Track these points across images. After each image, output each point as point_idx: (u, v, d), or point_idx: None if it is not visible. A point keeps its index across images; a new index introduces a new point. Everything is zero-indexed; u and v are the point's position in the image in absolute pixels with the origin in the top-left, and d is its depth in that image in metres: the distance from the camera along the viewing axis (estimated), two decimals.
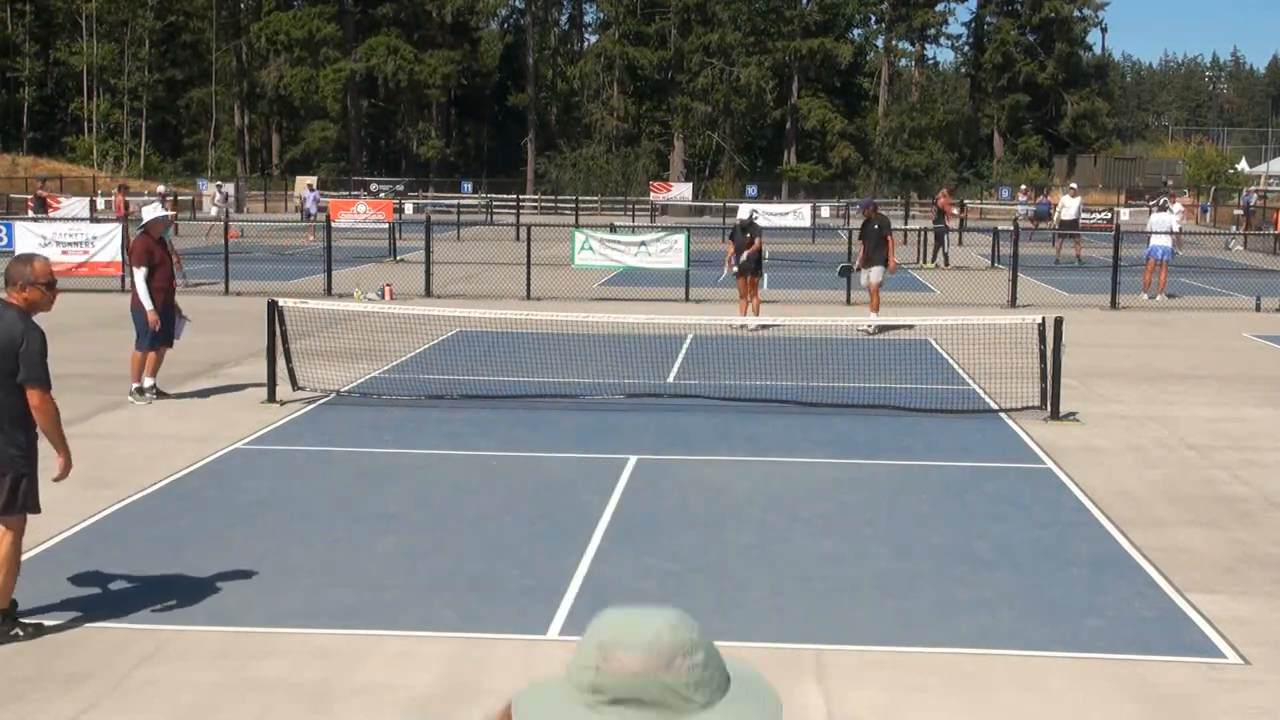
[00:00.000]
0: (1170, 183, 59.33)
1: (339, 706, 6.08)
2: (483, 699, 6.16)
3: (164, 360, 13.73)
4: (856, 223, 25.58)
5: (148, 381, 13.45)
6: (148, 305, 13.21)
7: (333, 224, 27.51)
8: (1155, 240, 25.39)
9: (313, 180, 48.62)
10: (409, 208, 54.26)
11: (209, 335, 17.99)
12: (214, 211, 39.32)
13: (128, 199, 38.32)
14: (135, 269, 13.39)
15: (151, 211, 13.95)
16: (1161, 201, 29.20)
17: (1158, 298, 24.84)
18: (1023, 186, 57.74)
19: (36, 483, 6.89)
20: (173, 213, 22.32)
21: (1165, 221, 25.88)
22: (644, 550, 8.49)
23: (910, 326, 19.02)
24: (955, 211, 40.00)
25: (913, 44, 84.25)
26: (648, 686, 1.94)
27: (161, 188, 41.68)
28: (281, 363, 13.60)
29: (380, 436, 11.96)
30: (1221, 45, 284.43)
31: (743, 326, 18.69)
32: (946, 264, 32.51)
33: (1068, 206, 34.61)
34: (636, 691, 1.95)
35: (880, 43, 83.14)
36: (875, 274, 19.55)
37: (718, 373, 15.25)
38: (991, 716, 6.08)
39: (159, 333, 13.39)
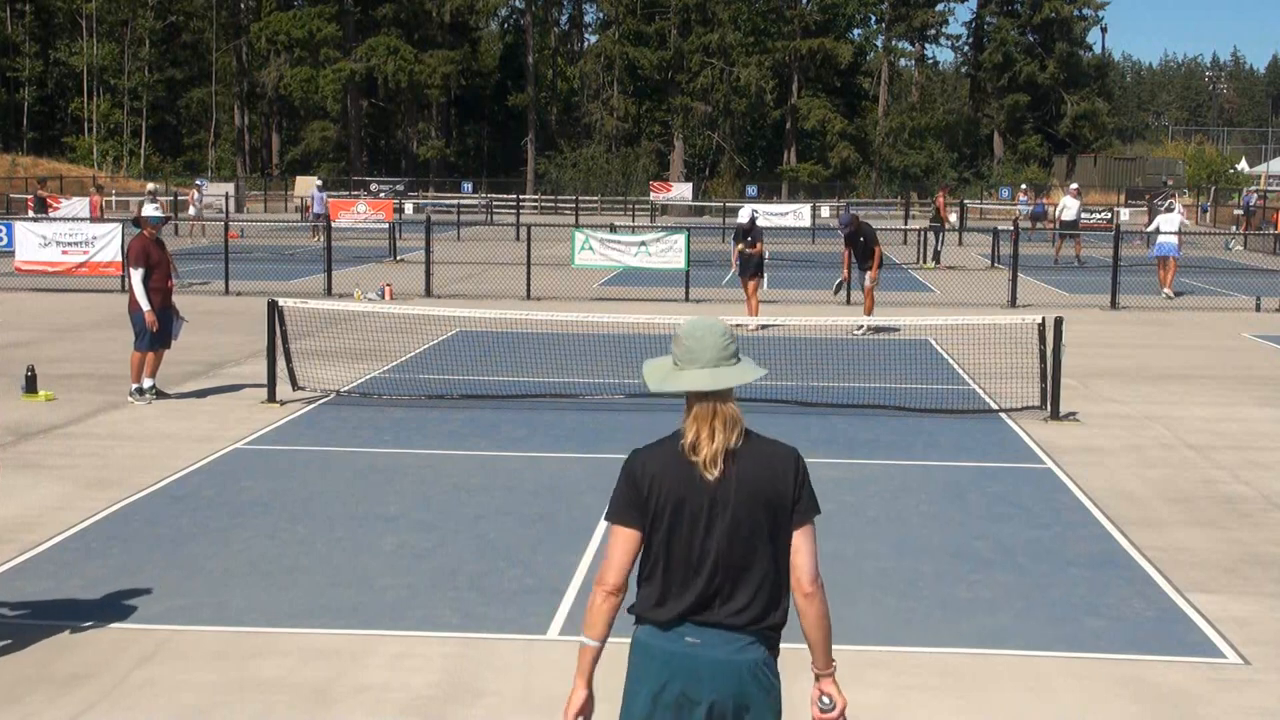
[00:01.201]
0: (1170, 182, 59.33)
1: (339, 706, 6.08)
2: (483, 699, 6.17)
3: (163, 360, 13.72)
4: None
5: (147, 382, 13.43)
6: (145, 306, 13.17)
7: (333, 224, 27.53)
8: (1165, 239, 25.92)
9: (318, 181, 48.56)
10: (409, 208, 54.28)
11: (209, 335, 18.00)
12: (192, 211, 39.34)
13: (103, 199, 38.35)
14: (132, 270, 13.35)
15: (148, 210, 13.91)
16: (1170, 203, 29.62)
17: (1164, 293, 25.22)
18: (1022, 186, 57.74)
19: None
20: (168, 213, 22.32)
21: (1174, 221, 26.53)
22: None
23: (896, 329, 19.00)
24: (952, 218, 39.99)
25: (912, 44, 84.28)
26: (707, 349, 3.77)
27: (151, 185, 41.59)
28: (281, 363, 13.59)
29: (380, 436, 11.95)
30: (1221, 45, 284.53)
31: (741, 326, 18.67)
32: (938, 263, 32.53)
33: (1068, 207, 34.66)
34: (700, 353, 3.77)
35: (880, 43, 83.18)
36: (866, 279, 19.56)
37: None
38: (991, 716, 6.08)
39: (157, 334, 13.35)
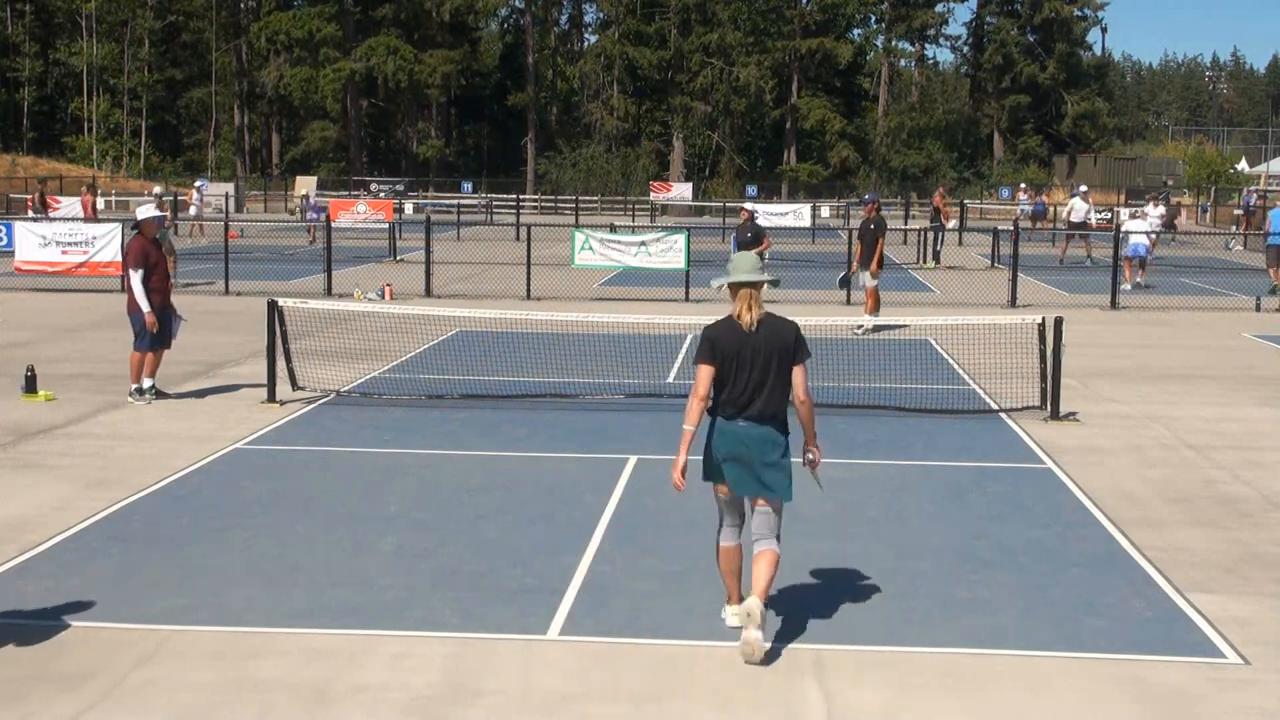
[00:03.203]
0: (1170, 182, 59.37)
1: (339, 706, 6.08)
2: (483, 699, 6.17)
3: (163, 360, 13.73)
4: (856, 222, 25.60)
5: (147, 382, 13.44)
6: (144, 307, 13.18)
7: (333, 224, 27.53)
8: (1136, 239, 27.53)
9: (311, 184, 48.43)
10: (409, 208, 54.25)
11: (209, 335, 18.00)
12: (193, 211, 39.26)
13: (94, 199, 38.22)
14: (131, 270, 13.35)
15: (145, 211, 13.94)
16: (1145, 208, 31.84)
17: (1139, 279, 26.88)
18: (1021, 185, 57.66)
19: None
20: (166, 213, 22.31)
21: (1142, 224, 29.04)
22: (644, 550, 8.49)
23: (904, 326, 18.99)
24: (952, 223, 40.00)
25: (912, 44, 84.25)
26: (745, 265, 6.77)
27: (158, 188, 41.46)
28: (281, 363, 13.60)
29: (380, 436, 11.95)
30: (1221, 45, 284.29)
31: None
32: (938, 263, 32.53)
33: (1076, 209, 34.73)
34: (741, 266, 6.77)
35: (880, 43, 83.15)
36: (868, 278, 19.55)
37: None
38: (991, 716, 6.08)
39: (156, 335, 13.36)
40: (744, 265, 6.81)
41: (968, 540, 8.83)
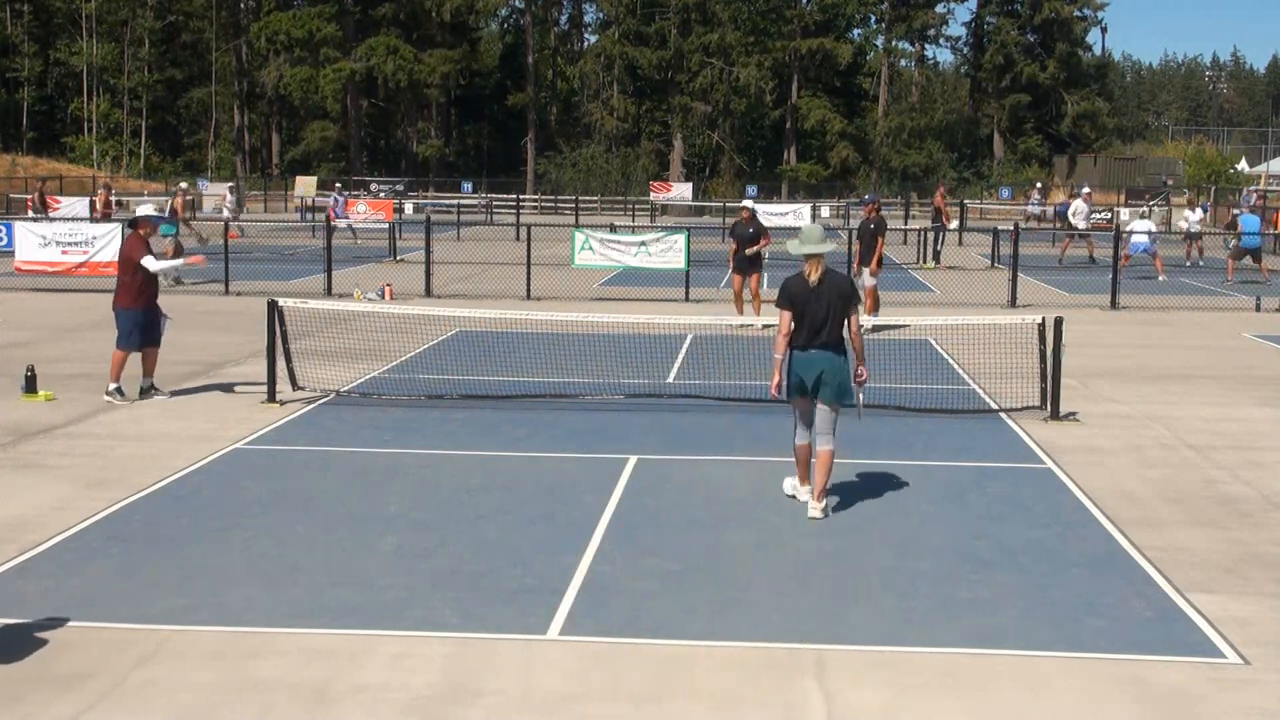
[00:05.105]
0: (1170, 182, 59.31)
1: (339, 706, 6.08)
2: (483, 699, 6.17)
3: (159, 361, 13.76)
4: (856, 222, 25.60)
5: (145, 382, 13.49)
6: (180, 263, 15.28)
7: (332, 224, 27.53)
8: (1136, 238, 29.46)
9: (310, 184, 48.18)
10: (409, 208, 54.23)
11: (209, 335, 18.00)
12: (226, 213, 39.07)
13: (111, 198, 38.09)
14: (144, 260, 13.43)
15: (144, 209, 14.04)
16: (1144, 210, 33.24)
17: (1160, 278, 27.94)
18: (1037, 185, 57.38)
19: None
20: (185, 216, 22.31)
21: (1144, 224, 31.05)
22: (644, 550, 8.49)
23: (904, 325, 18.96)
24: (953, 224, 39.93)
25: (912, 44, 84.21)
26: (814, 236, 9.48)
27: (184, 184, 40.91)
28: (281, 363, 13.59)
29: (380, 436, 11.95)
30: (1221, 45, 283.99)
31: (747, 326, 18.58)
32: (938, 263, 32.52)
33: (1079, 211, 34.75)
34: (811, 237, 9.45)
35: (880, 43, 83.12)
36: (867, 277, 19.52)
37: (718, 373, 15.25)
38: (991, 716, 6.08)
39: (146, 334, 13.47)
40: (812, 238, 9.33)
41: (968, 540, 8.83)
